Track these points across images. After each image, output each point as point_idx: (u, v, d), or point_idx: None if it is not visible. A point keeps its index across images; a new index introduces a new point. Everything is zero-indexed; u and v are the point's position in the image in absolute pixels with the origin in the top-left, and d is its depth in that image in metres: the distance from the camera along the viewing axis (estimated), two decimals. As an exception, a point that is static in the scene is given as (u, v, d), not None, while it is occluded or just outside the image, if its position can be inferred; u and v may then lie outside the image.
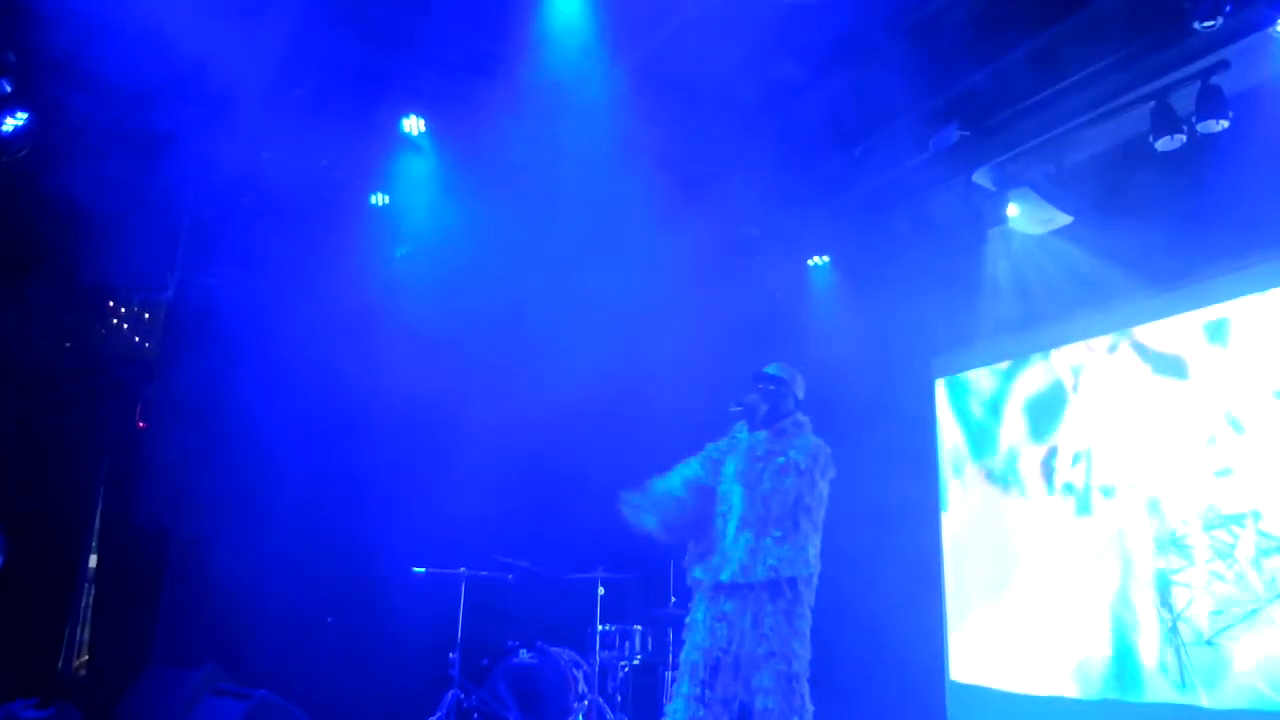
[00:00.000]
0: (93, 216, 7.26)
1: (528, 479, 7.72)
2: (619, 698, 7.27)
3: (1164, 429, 6.59)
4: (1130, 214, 6.51)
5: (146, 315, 8.66)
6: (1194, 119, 5.73)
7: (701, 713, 4.18)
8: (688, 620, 4.44)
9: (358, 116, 6.95)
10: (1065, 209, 6.84)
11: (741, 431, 4.67)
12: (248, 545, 7.78)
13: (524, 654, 7.08)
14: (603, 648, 7.06)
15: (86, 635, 8.53)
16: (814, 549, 4.38)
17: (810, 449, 4.47)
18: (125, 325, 8.66)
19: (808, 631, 4.30)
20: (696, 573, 4.45)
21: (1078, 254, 6.98)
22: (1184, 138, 5.83)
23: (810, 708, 4.21)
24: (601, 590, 7.06)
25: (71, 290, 7.83)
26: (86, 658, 8.31)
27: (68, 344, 8.67)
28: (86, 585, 8.91)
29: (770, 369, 4.73)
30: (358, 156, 7.42)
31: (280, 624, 7.44)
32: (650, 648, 7.52)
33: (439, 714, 6.68)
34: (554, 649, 7.08)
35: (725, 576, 4.30)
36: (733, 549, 4.33)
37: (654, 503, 4.55)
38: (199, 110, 6.31)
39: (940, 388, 8.22)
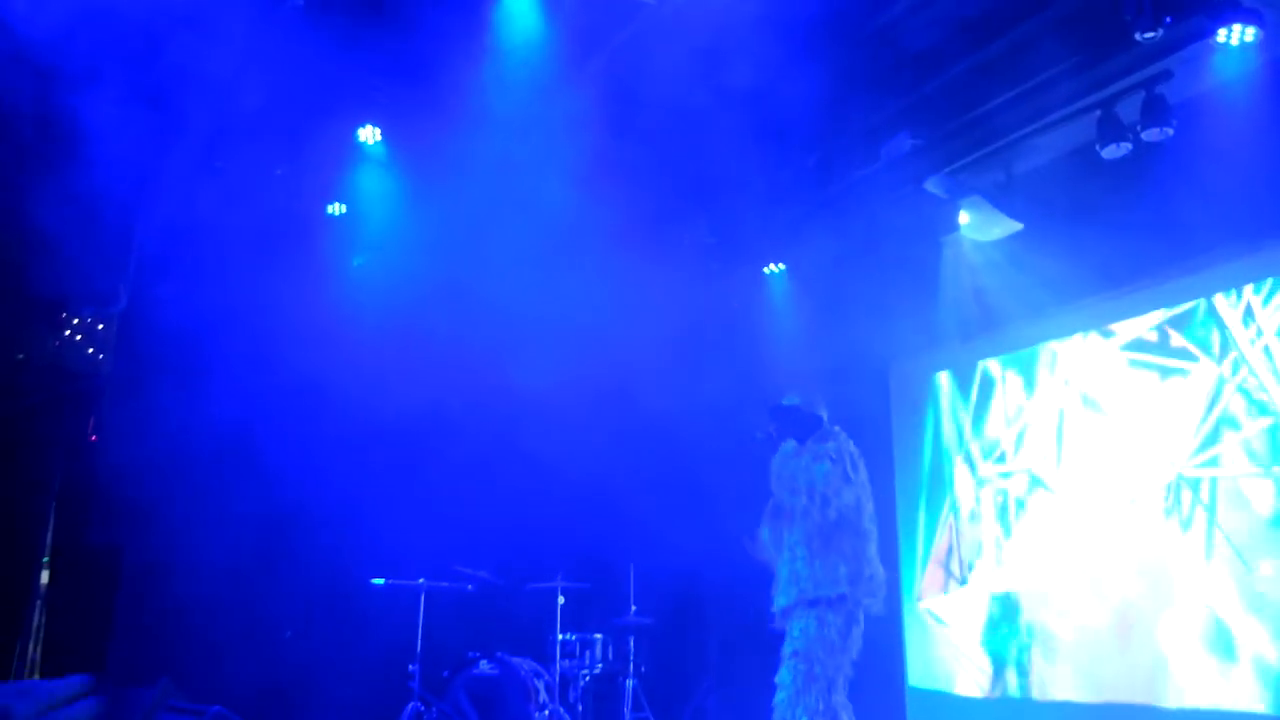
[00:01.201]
0: (43, 228, 7.17)
1: (486, 489, 7.68)
2: (580, 707, 7.26)
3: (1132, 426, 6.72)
4: (1079, 220, 6.64)
5: (100, 327, 8.55)
6: (1139, 127, 5.86)
7: None
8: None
9: (313, 126, 6.92)
10: (1015, 216, 6.96)
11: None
12: (203, 560, 7.68)
13: (484, 664, 7.04)
14: (563, 657, 7.06)
15: (38, 653, 8.39)
16: (854, 562, 4.34)
17: (829, 463, 4.44)
18: (78, 337, 8.54)
19: (844, 642, 4.29)
20: (774, 603, 4.57)
21: (1028, 260, 7.10)
22: (1130, 145, 5.96)
23: (841, 715, 4.21)
24: (561, 599, 7.06)
25: (23, 302, 7.71)
26: (38, 675, 8.17)
27: (20, 355, 8.54)
28: (38, 602, 8.76)
29: (784, 400, 4.71)
30: (314, 166, 7.38)
31: (236, 639, 7.35)
32: (611, 656, 7.52)
33: (399, 726, 6.63)
34: (515, 659, 7.04)
35: (781, 603, 4.46)
36: (784, 575, 4.48)
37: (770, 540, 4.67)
38: (151, 119, 6.25)
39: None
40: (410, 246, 7.57)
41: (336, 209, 7.65)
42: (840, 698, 4.23)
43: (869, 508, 4.45)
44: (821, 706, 4.18)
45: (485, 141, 6.61)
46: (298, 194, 7.56)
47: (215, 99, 6.33)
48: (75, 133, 6.26)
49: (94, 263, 7.46)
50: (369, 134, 7.09)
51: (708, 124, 6.71)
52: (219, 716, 4.77)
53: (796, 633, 4.27)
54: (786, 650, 4.30)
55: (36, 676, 8.11)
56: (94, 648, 7.54)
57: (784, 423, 4.62)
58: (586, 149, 6.52)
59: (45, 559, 8.72)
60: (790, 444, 4.63)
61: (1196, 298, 6.46)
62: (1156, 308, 6.67)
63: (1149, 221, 6.30)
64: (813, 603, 4.29)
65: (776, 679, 4.26)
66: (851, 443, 4.59)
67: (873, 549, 4.41)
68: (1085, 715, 6.61)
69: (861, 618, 4.37)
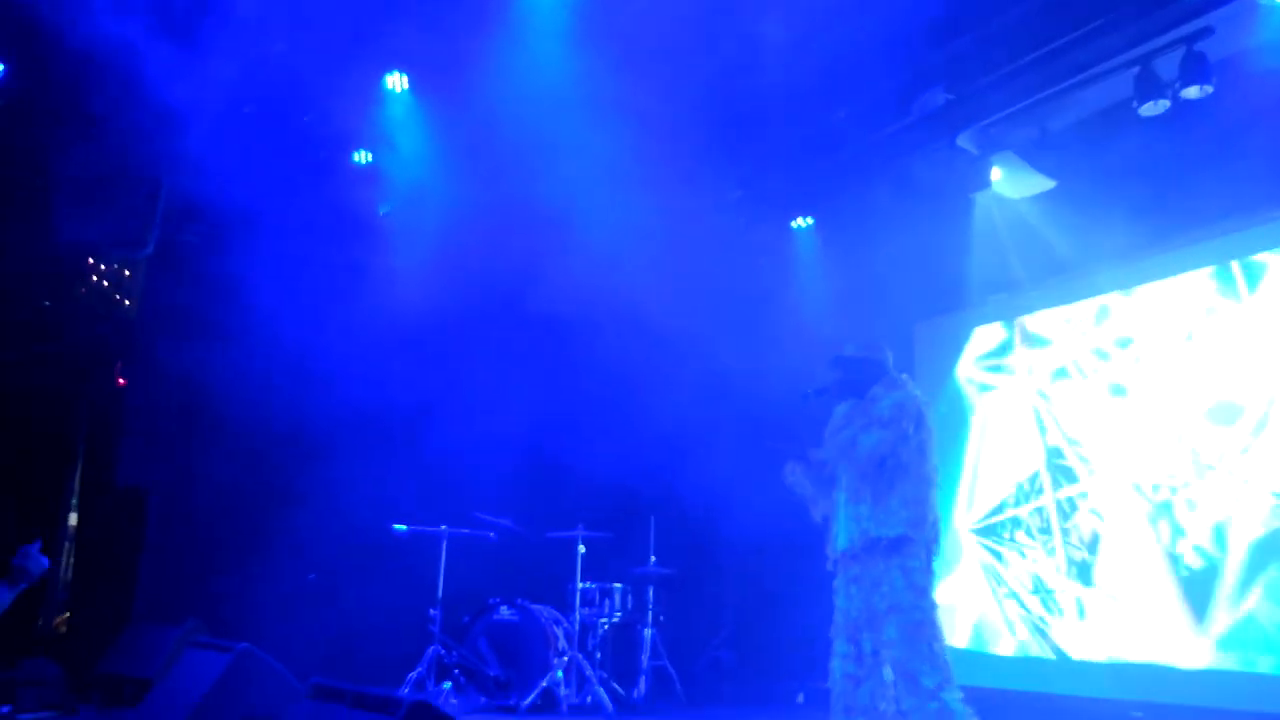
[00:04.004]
0: (72, 173, 7.20)
1: (510, 437, 7.73)
2: (599, 655, 7.33)
3: (1152, 398, 6.68)
4: (1113, 179, 6.54)
5: (127, 273, 8.61)
6: (1177, 85, 5.74)
7: (852, 668, 4.30)
8: (834, 585, 4.54)
9: (341, 73, 6.89)
10: (1048, 174, 6.87)
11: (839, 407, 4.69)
12: (228, 503, 7.79)
13: (505, 610, 7.14)
14: (583, 605, 7.12)
15: (67, 593, 8.54)
16: (917, 506, 4.31)
17: (896, 403, 4.40)
18: (105, 283, 8.60)
19: (929, 586, 4.30)
20: (828, 546, 4.57)
21: (1061, 218, 7.02)
22: (1167, 103, 5.84)
23: (947, 659, 4.20)
24: (582, 548, 7.11)
25: (51, 249, 7.76)
26: (67, 615, 8.32)
27: (47, 302, 8.61)
28: (66, 544, 8.90)
29: (845, 351, 4.68)
30: (341, 113, 7.36)
31: (261, 581, 7.46)
32: (630, 605, 7.59)
33: (420, 669, 6.73)
34: (534, 606, 7.13)
35: (842, 545, 4.44)
36: (842, 518, 4.47)
37: (806, 475, 4.66)
38: (179, 65, 6.24)
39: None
40: (438, 195, 7.55)
41: (363, 157, 7.64)
42: (943, 641, 4.25)
43: (932, 455, 4.44)
44: (936, 649, 4.18)
45: (512, 92, 6.56)
46: (325, 142, 7.55)
47: (243, 45, 6.30)
48: (103, 80, 6.27)
49: (122, 209, 7.50)
50: (396, 81, 7.05)
51: (737, 77, 6.65)
52: (246, 653, 4.85)
53: (885, 587, 4.25)
54: (882, 607, 4.26)
55: (66, 616, 8.27)
56: (122, 588, 7.67)
57: (848, 372, 4.59)
58: (613, 102, 6.47)
59: (74, 501, 8.85)
60: (842, 408, 4.58)
61: (1229, 259, 6.37)
62: (1189, 268, 6.58)
63: (1185, 181, 6.20)
64: (875, 544, 4.28)
65: (883, 637, 4.21)
66: (913, 390, 4.55)
67: (934, 495, 4.42)
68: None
69: (933, 563, 4.39)
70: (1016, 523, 7.37)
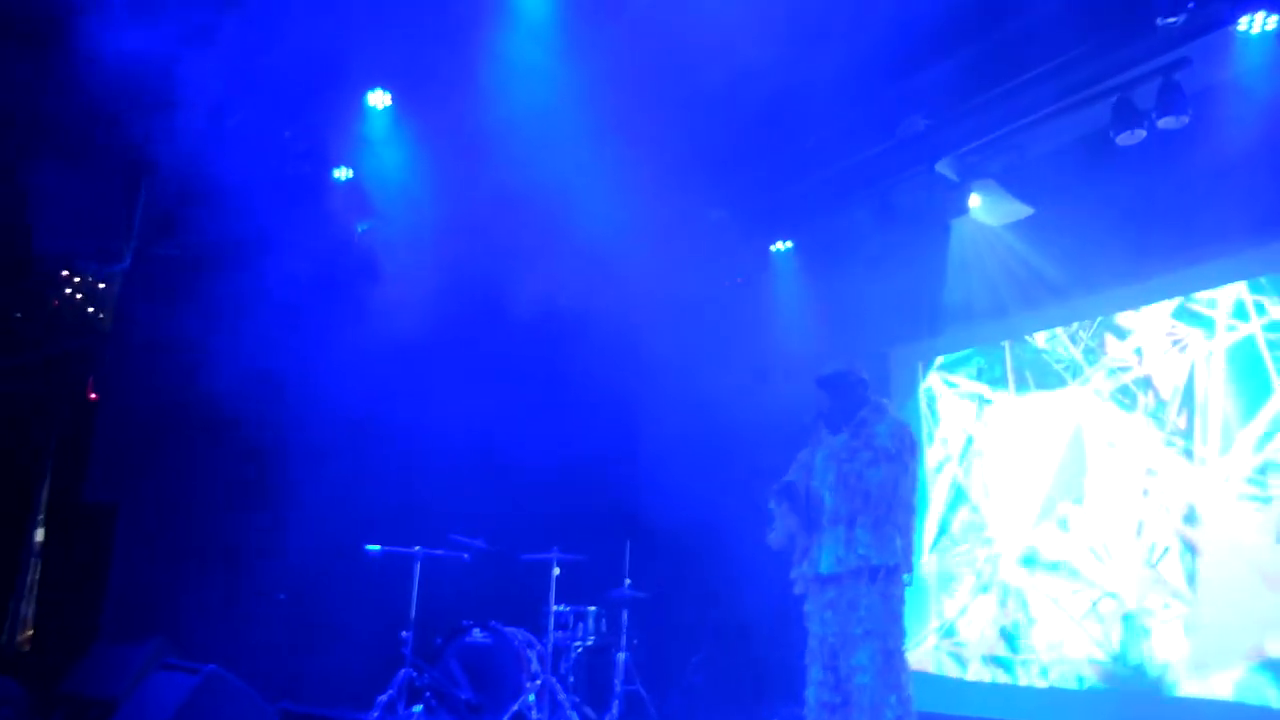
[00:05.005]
0: (48, 184, 7.13)
1: (484, 459, 7.68)
2: (572, 678, 7.25)
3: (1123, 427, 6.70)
4: (1090, 207, 6.59)
5: (101, 285, 8.52)
6: (1154, 115, 5.81)
7: (828, 696, 4.33)
8: (805, 610, 4.57)
9: (323, 89, 6.87)
10: (1026, 201, 6.91)
11: (825, 433, 4.69)
12: (199, 521, 7.69)
13: (477, 633, 7.05)
14: (557, 628, 7.04)
15: (31, 610, 8.41)
16: (907, 535, 4.40)
17: (895, 432, 4.48)
18: (79, 295, 8.51)
19: (902, 614, 4.36)
20: (803, 567, 4.58)
21: (1038, 245, 7.06)
22: (1144, 133, 5.91)
23: (910, 693, 4.25)
24: (556, 571, 7.05)
25: (24, 259, 7.69)
26: (30, 633, 8.19)
27: (18, 314, 8.52)
28: (33, 560, 8.77)
29: (827, 370, 4.69)
30: (322, 130, 7.33)
31: (231, 601, 7.37)
32: (604, 629, 7.51)
33: (390, 692, 6.63)
34: (508, 629, 7.05)
35: (824, 569, 4.45)
36: (828, 541, 4.47)
37: (792, 508, 4.66)
38: (159, 79, 6.21)
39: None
40: (418, 212, 7.52)
41: (343, 173, 7.61)
42: (909, 674, 4.28)
43: (915, 484, 4.49)
44: (903, 681, 4.23)
45: (495, 110, 6.55)
46: (305, 158, 7.52)
47: (224, 58, 6.27)
48: (81, 91, 6.23)
49: (98, 221, 7.44)
50: (379, 99, 7.04)
51: (719, 99, 6.67)
52: (214, 675, 4.77)
53: (863, 611, 4.28)
54: (857, 631, 4.27)
55: (30, 634, 8.14)
56: (88, 606, 7.55)
57: (836, 394, 4.60)
58: (596, 121, 6.48)
59: (41, 516, 8.73)
60: (841, 438, 4.59)
61: (1204, 289, 6.42)
62: (1165, 298, 6.63)
63: (1161, 211, 6.26)
64: (873, 572, 4.30)
65: (852, 662, 4.24)
66: (895, 419, 4.58)
67: (916, 523, 4.47)
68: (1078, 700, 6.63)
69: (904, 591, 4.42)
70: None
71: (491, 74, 6.34)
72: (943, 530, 7.75)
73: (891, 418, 4.56)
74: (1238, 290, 6.24)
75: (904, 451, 4.43)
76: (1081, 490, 6.86)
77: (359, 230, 7.98)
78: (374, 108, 7.12)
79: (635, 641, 7.74)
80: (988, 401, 7.63)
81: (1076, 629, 6.71)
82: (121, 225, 7.61)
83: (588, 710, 7.20)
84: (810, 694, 4.39)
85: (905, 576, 4.39)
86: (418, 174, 7.38)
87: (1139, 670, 6.32)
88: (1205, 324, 6.38)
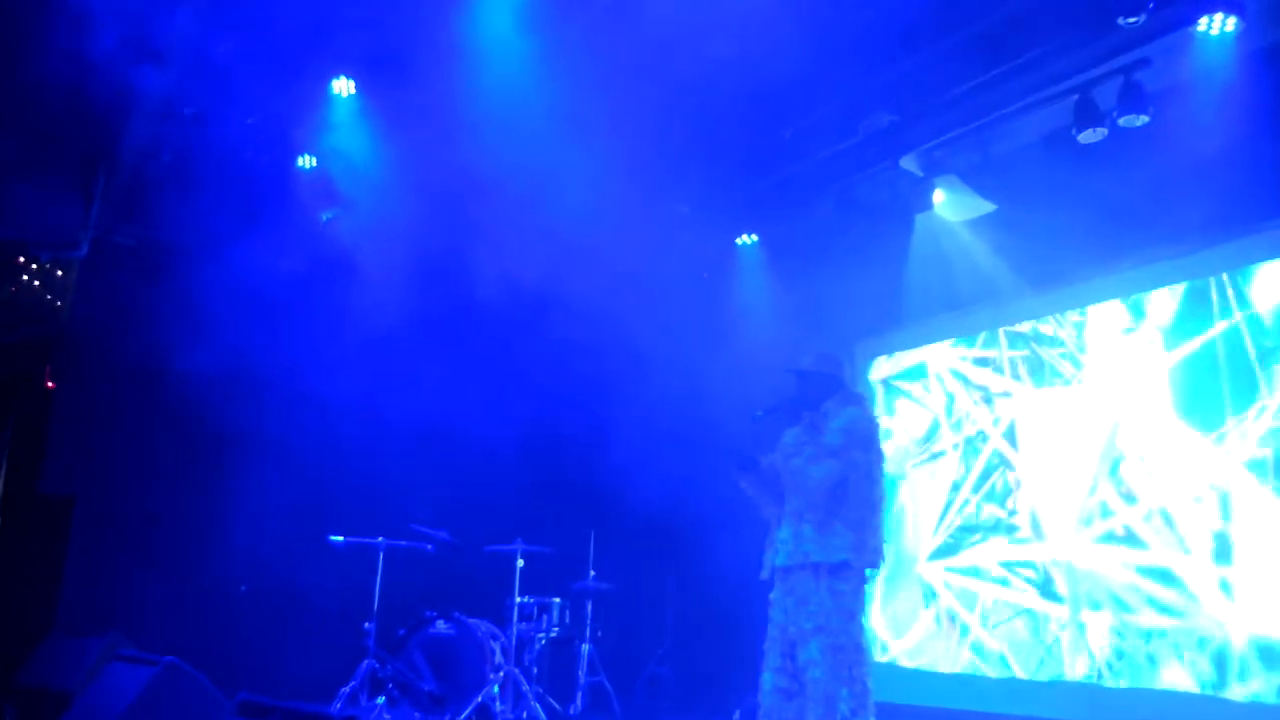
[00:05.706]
0: (2, 171, 7.00)
1: (448, 449, 7.65)
2: (535, 670, 7.26)
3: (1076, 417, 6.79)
4: (1051, 204, 6.66)
5: (59, 273, 8.39)
6: (1116, 113, 5.88)
7: (784, 682, 4.33)
8: (770, 598, 4.57)
9: (286, 77, 6.79)
10: (989, 197, 6.98)
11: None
12: (157, 512, 7.61)
13: (441, 624, 7.03)
14: (521, 619, 7.05)
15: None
16: (859, 530, 4.33)
17: (844, 428, 4.39)
18: (36, 283, 8.37)
19: (859, 610, 4.33)
20: (766, 557, 4.60)
21: (1000, 242, 7.13)
22: (1105, 131, 5.99)
23: (868, 685, 4.23)
24: (520, 562, 7.04)
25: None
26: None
27: (-28, 301, 8.36)
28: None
29: (802, 363, 4.67)
30: (285, 117, 7.25)
31: (191, 592, 7.30)
32: (568, 620, 7.53)
33: (353, 684, 6.61)
34: (471, 620, 7.03)
35: (780, 561, 4.48)
36: (782, 536, 4.50)
37: (758, 486, 4.67)
38: (120, 63, 6.10)
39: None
40: (383, 201, 7.47)
41: (307, 162, 7.53)
42: (867, 666, 4.27)
43: (880, 479, 4.45)
44: (856, 675, 4.21)
45: (460, 99, 6.51)
46: (268, 146, 7.43)
47: (186, 44, 6.18)
48: (38, 76, 6.11)
49: (55, 207, 7.32)
50: (343, 86, 6.98)
51: (685, 93, 6.66)
52: (171, 666, 4.73)
53: (813, 607, 4.29)
54: (808, 626, 4.27)
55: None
56: (43, 598, 7.44)
57: (804, 388, 4.58)
58: (562, 113, 6.46)
59: (-5, 507, 8.58)
60: (793, 432, 4.57)
61: (1163, 285, 6.51)
62: (1125, 294, 6.72)
63: (1122, 208, 6.33)
64: (815, 569, 4.30)
65: (803, 657, 4.25)
66: (867, 409, 4.58)
67: (878, 519, 4.42)
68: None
69: (865, 587, 4.40)
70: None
71: (458, 61, 6.29)
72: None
73: (850, 411, 4.48)
74: (1196, 287, 6.34)
75: (852, 446, 4.36)
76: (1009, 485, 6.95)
77: (323, 219, 7.89)
78: (339, 95, 7.05)
79: (599, 633, 7.76)
80: (952, 396, 7.71)
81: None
82: (80, 213, 7.50)
83: (551, 702, 7.21)
84: (766, 679, 4.39)
85: (868, 571, 4.38)
86: (383, 161, 7.32)
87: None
88: (1161, 320, 6.47)
